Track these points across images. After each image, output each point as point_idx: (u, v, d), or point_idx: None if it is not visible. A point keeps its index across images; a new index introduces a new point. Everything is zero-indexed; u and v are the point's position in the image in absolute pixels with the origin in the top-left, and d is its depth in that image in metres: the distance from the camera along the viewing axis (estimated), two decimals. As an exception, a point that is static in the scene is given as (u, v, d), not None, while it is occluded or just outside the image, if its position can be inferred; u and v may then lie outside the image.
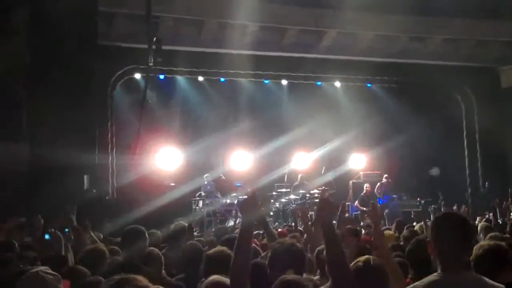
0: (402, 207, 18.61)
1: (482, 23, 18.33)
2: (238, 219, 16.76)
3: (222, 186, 18.85)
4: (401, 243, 7.04)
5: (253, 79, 19.42)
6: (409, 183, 20.14)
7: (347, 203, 19.00)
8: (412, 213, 17.44)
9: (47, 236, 6.64)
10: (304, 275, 4.18)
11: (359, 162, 20.80)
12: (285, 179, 19.22)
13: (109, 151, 16.73)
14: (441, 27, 18.32)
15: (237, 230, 8.45)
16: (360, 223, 15.31)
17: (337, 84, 20.57)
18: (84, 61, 14.78)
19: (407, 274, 4.18)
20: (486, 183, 19.66)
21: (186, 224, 7.82)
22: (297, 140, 19.59)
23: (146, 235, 5.74)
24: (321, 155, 20.13)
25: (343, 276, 3.30)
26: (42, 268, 3.74)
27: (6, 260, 5.42)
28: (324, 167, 19.57)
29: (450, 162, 20.80)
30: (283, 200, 18.77)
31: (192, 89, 19.74)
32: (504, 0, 18.27)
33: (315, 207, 8.66)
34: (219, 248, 5.19)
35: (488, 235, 6.42)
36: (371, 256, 3.70)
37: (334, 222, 8.22)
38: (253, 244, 5.15)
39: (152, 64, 14.39)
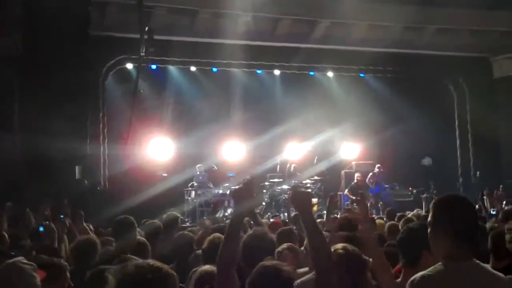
0: (394, 196, 18.68)
1: (476, 13, 18.34)
2: (230, 210, 16.79)
3: (214, 176, 18.84)
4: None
5: (246, 69, 19.40)
6: (401, 173, 20.20)
7: (339, 193, 19.08)
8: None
9: (41, 228, 6.63)
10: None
11: (351, 152, 20.82)
12: (278, 169, 19.23)
13: (101, 141, 16.70)
14: (435, 17, 18.32)
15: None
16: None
17: (330, 74, 20.57)
18: (76, 51, 14.72)
19: (396, 264, 4.17)
20: (477, 173, 19.75)
21: (178, 214, 7.83)
22: (289, 130, 19.60)
23: (136, 225, 5.73)
24: (314, 145, 20.14)
25: (327, 263, 3.28)
26: (19, 258, 3.75)
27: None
28: (316, 157, 19.59)
29: (442, 152, 20.91)
30: (276, 190, 18.79)
31: (185, 79, 19.70)
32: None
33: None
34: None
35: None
36: (347, 244, 3.69)
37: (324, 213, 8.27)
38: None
39: (144, 54, 14.33)
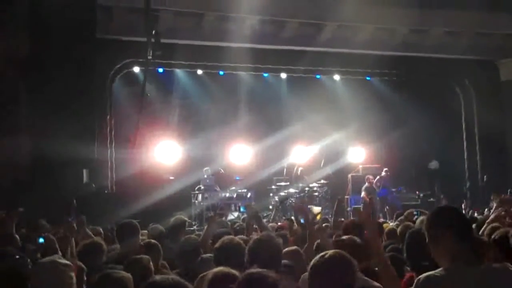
0: (401, 200, 18.64)
1: (482, 15, 18.30)
2: (236, 213, 16.80)
3: (221, 179, 18.83)
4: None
5: (253, 72, 19.40)
6: (408, 176, 20.15)
7: (346, 197, 19.07)
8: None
9: (41, 240, 6.62)
10: None
11: (358, 155, 20.79)
12: (284, 173, 19.24)
13: (108, 144, 16.72)
14: (441, 19, 18.29)
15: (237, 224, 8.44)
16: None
17: (337, 77, 20.54)
18: (83, 55, 14.78)
19: (402, 270, 4.15)
20: (485, 177, 19.66)
21: (186, 218, 7.83)
22: (296, 133, 19.61)
23: (139, 229, 5.75)
24: (320, 148, 20.13)
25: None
26: (56, 256, 3.82)
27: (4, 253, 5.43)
28: (323, 161, 19.58)
29: (449, 155, 20.83)
30: (282, 193, 18.79)
31: (191, 82, 19.72)
32: (504, -7, 18.26)
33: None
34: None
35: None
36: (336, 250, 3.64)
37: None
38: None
39: (151, 57, 14.38)
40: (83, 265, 4.46)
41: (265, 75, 20.08)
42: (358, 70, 19.65)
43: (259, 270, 3.33)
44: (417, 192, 19.21)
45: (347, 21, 17.65)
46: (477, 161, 20.51)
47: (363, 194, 18.29)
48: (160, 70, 18.25)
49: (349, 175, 19.94)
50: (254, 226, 7.17)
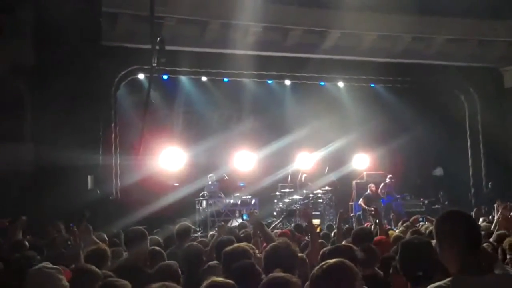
0: (405, 207, 18.63)
1: (485, 23, 18.35)
2: (240, 220, 16.80)
3: (225, 186, 18.85)
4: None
5: (257, 79, 19.44)
6: (413, 183, 20.13)
7: (350, 203, 19.07)
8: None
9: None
10: None
11: (362, 162, 20.79)
12: (289, 179, 19.25)
13: (113, 151, 16.76)
14: (444, 27, 18.34)
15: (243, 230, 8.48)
16: (363, 224, 15.35)
17: (341, 84, 20.56)
18: (88, 62, 14.81)
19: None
20: (490, 183, 19.63)
21: (191, 225, 7.85)
22: (300, 140, 19.61)
23: (147, 236, 5.76)
24: (325, 155, 20.14)
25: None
26: (43, 264, 4.07)
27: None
28: (327, 167, 19.59)
29: (453, 162, 20.79)
30: (286, 200, 18.81)
31: (196, 89, 19.76)
32: (507, 0, 18.25)
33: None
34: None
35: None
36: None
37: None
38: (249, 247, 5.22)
39: (155, 64, 14.39)
40: (97, 269, 4.53)
41: (269, 81, 20.11)
42: (362, 77, 19.66)
43: (282, 274, 3.37)
44: (421, 199, 19.20)
45: (351, 28, 17.70)
46: (482, 168, 20.48)
47: (361, 201, 18.30)
48: (165, 77, 18.32)
49: (354, 182, 19.95)
50: (258, 232, 7.20)
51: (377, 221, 8.66)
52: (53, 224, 8.68)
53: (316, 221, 16.80)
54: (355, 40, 18.35)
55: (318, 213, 17.79)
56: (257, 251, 5.46)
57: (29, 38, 14.70)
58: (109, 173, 16.35)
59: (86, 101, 14.68)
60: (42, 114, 14.35)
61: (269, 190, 19.03)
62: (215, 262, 5.70)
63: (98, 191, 14.82)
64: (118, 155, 16.99)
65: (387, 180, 18.94)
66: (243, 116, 20.07)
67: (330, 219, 17.96)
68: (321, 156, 20.20)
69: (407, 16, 17.50)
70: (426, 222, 10.43)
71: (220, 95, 19.75)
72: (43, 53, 14.62)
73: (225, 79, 19.30)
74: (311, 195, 18.76)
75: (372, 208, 13.85)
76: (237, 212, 17.71)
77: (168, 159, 18.91)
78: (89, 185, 14.87)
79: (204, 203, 17.93)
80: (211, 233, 11.89)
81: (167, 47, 14.34)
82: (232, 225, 15.51)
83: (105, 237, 8.10)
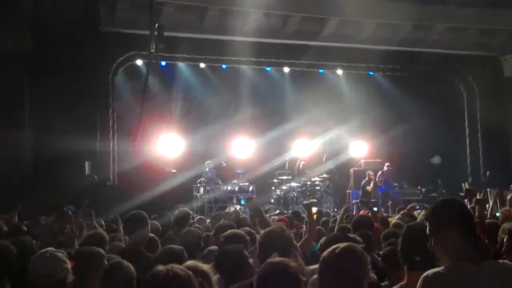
0: (403, 195, 18.66)
1: (485, 12, 18.24)
2: (238, 206, 16.83)
3: (223, 173, 18.89)
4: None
5: (255, 66, 19.38)
6: (410, 171, 20.15)
7: (347, 191, 19.09)
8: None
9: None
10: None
11: (360, 150, 20.81)
12: (286, 167, 19.26)
13: (111, 137, 16.73)
14: (444, 15, 18.25)
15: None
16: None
17: (340, 72, 20.50)
18: (86, 47, 14.76)
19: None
20: (487, 172, 19.65)
21: (190, 211, 7.85)
22: (298, 127, 19.61)
23: (148, 220, 5.75)
24: (323, 143, 20.14)
25: None
26: (49, 248, 4.17)
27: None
28: (325, 155, 19.59)
29: (451, 151, 20.80)
30: (284, 187, 18.83)
31: (194, 76, 19.71)
32: (507, -11, 18.20)
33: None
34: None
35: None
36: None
37: None
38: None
39: (154, 50, 14.36)
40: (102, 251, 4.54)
41: (268, 69, 20.04)
42: (361, 65, 19.61)
43: (280, 258, 3.36)
44: (419, 187, 19.23)
45: (351, 16, 17.60)
46: (480, 157, 20.49)
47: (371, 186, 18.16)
48: (163, 63, 18.26)
49: (351, 170, 19.97)
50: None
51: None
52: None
53: (314, 209, 16.84)
54: (354, 28, 18.26)
55: (315, 200, 17.78)
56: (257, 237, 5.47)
57: (28, 24, 14.64)
58: (106, 159, 16.34)
59: (84, 87, 14.65)
60: (39, 100, 14.33)
61: (267, 177, 19.06)
62: (214, 247, 5.69)
63: (96, 177, 14.82)
64: (115, 141, 16.97)
65: (385, 168, 18.95)
66: (242, 103, 20.03)
67: (327, 206, 17.99)
68: (319, 143, 20.20)
69: (407, 4, 17.42)
70: (423, 210, 10.43)
71: (219, 82, 19.71)
72: (41, 39, 14.58)
73: (224, 66, 19.22)
74: (308, 183, 18.78)
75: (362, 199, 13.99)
76: (235, 198, 17.76)
77: (165, 146, 18.92)
78: (87, 171, 14.87)
79: (201, 189, 17.97)
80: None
81: (166, 33, 14.29)
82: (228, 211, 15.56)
83: (102, 222, 8.10)
